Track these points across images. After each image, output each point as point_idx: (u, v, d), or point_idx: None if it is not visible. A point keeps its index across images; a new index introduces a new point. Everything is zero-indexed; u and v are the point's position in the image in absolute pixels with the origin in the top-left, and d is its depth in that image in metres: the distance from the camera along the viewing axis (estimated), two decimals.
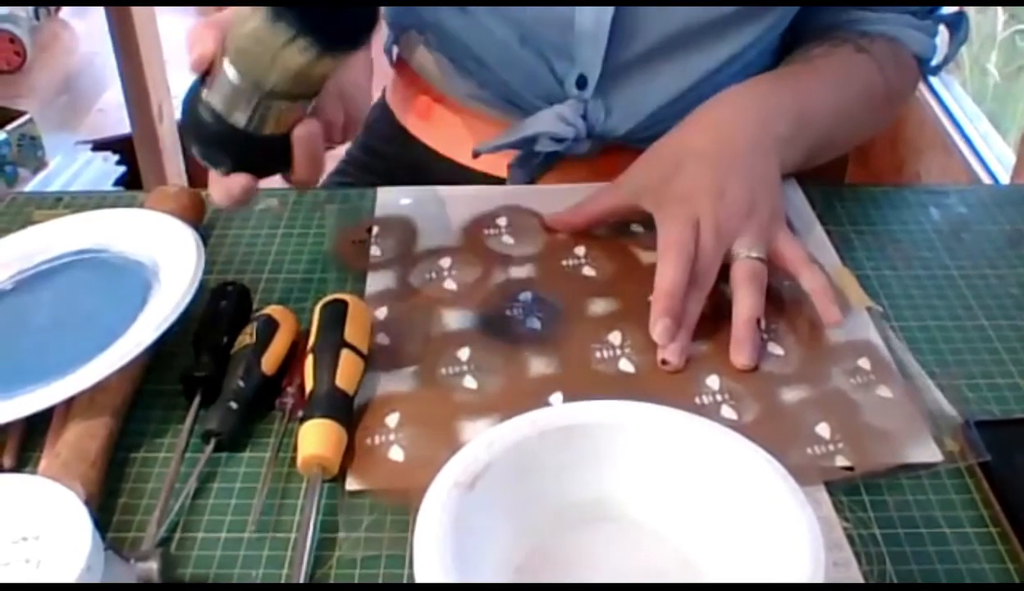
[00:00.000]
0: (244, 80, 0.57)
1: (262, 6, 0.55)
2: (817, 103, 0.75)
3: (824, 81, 0.77)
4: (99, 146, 2.11)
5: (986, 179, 1.77)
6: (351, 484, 0.55)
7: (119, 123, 2.12)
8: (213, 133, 0.60)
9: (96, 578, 0.42)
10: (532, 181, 0.85)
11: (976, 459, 0.56)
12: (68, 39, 2.60)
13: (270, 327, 0.62)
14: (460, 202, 0.78)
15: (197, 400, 0.59)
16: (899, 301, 0.69)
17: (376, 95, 1.00)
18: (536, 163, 0.83)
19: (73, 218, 0.72)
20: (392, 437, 0.58)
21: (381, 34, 0.90)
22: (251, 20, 0.55)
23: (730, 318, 0.64)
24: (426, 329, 0.66)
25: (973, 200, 0.81)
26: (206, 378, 0.60)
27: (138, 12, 1.84)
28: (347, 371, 0.59)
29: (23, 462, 0.57)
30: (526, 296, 0.68)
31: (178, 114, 1.99)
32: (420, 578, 0.43)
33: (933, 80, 2.03)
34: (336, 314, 0.61)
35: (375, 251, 0.73)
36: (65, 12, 2.66)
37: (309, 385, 0.58)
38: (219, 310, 0.65)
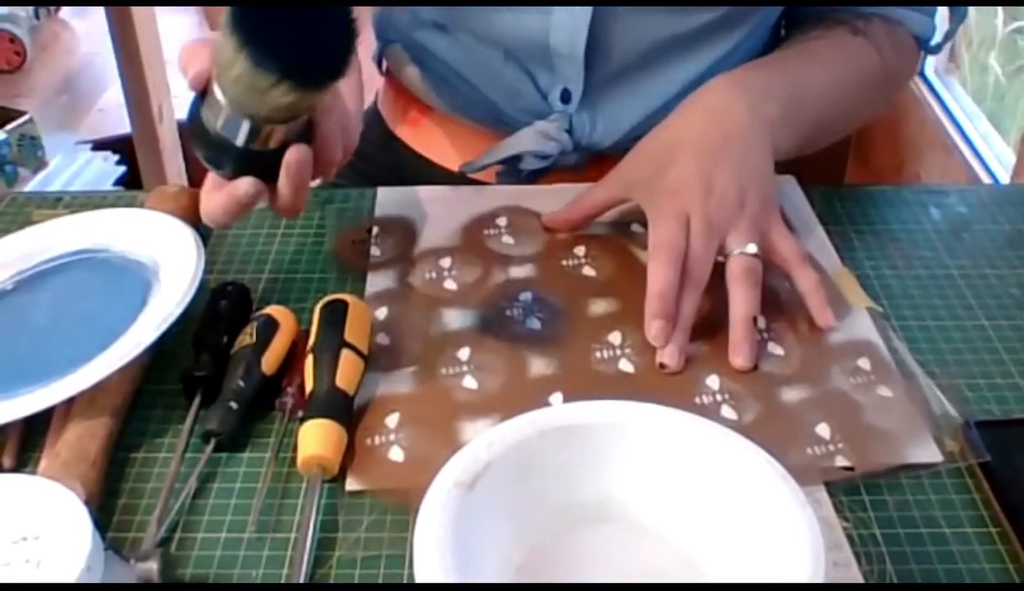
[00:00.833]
0: (235, 110, 0.58)
1: (242, 50, 0.54)
2: (811, 85, 0.75)
3: (818, 63, 0.77)
4: (99, 146, 2.11)
5: (986, 179, 1.77)
6: (351, 484, 0.55)
7: (119, 123, 2.12)
8: (213, 144, 0.60)
9: (96, 578, 0.42)
10: None
11: (976, 459, 0.56)
12: (68, 39, 2.59)
13: (270, 327, 0.62)
14: (460, 202, 0.78)
15: (197, 400, 0.59)
16: (899, 301, 0.69)
17: (368, 100, 1.00)
18: (524, 176, 0.83)
19: (73, 218, 0.72)
20: (392, 437, 0.58)
21: (369, 43, 0.90)
22: (235, 66, 0.55)
23: (728, 317, 0.64)
24: (426, 329, 0.66)
25: (973, 200, 0.81)
26: (206, 378, 0.60)
27: (138, 12, 1.84)
28: (347, 371, 0.59)
29: (23, 462, 0.57)
30: (526, 296, 0.68)
31: (178, 114, 2.00)
32: (420, 578, 0.43)
33: (934, 80, 2.03)
34: (336, 314, 0.61)
35: (375, 251, 0.73)
36: (65, 12, 2.66)
37: (309, 385, 0.58)
38: (219, 310, 0.65)
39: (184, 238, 0.67)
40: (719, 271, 0.65)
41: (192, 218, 0.72)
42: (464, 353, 0.63)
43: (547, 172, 0.83)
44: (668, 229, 0.65)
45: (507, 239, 0.74)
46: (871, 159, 2.12)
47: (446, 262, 0.71)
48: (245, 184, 0.60)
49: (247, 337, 0.61)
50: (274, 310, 0.64)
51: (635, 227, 0.74)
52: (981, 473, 0.56)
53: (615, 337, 0.65)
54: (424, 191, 0.79)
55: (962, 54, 2.04)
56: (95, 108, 2.44)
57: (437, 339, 0.65)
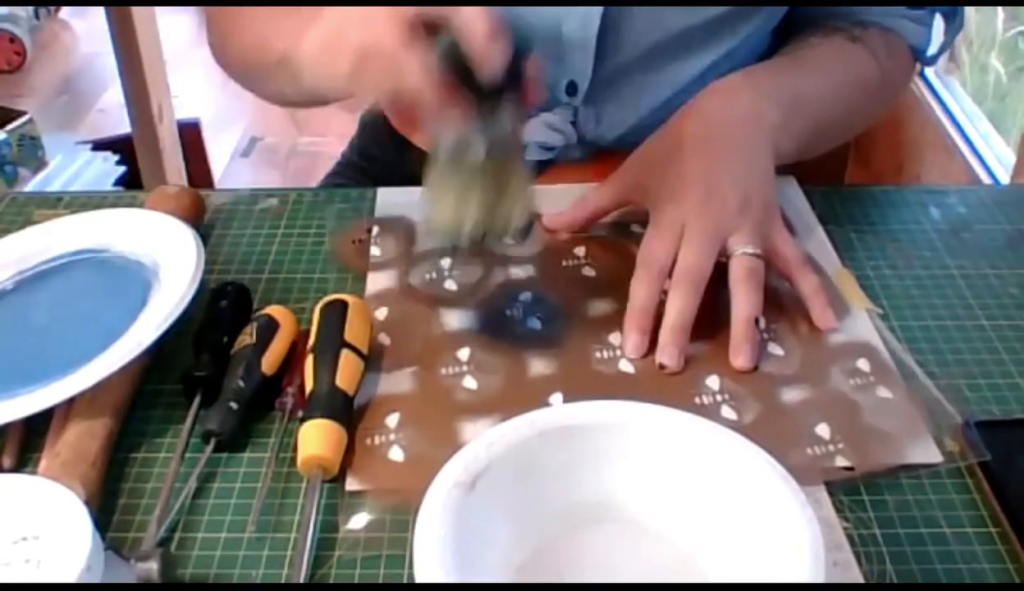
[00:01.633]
0: None
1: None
2: (810, 89, 0.75)
3: (817, 68, 0.77)
4: (99, 146, 2.11)
5: (986, 179, 1.77)
6: (351, 484, 0.55)
7: (119, 123, 2.12)
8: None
9: (96, 578, 0.42)
10: None
11: (976, 459, 0.56)
12: (68, 39, 2.60)
13: (270, 327, 0.62)
14: None
15: (197, 400, 0.59)
16: (899, 301, 0.69)
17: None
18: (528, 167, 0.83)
19: (73, 218, 0.72)
20: (392, 437, 0.58)
21: None
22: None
23: (729, 318, 0.64)
24: (426, 329, 0.66)
25: (973, 200, 0.81)
26: (206, 378, 0.60)
27: (138, 12, 1.83)
28: (347, 371, 0.59)
29: (23, 462, 0.57)
30: (526, 296, 0.68)
31: (178, 114, 2.00)
32: (420, 578, 0.43)
33: (934, 81, 2.03)
34: (336, 314, 0.61)
35: (375, 251, 0.73)
36: (65, 12, 2.67)
37: (309, 385, 0.58)
38: (219, 310, 0.65)
39: (184, 238, 0.67)
40: (720, 271, 0.65)
41: (192, 218, 0.72)
42: (464, 353, 0.63)
43: (551, 165, 0.83)
44: (656, 243, 0.65)
45: (507, 239, 0.74)
46: (872, 159, 2.12)
47: (446, 262, 0.71)
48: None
49: (247, 337, 0.61)
50: (274, 310, 0.64)
51: (635, 228, 0.74)
52: (981, 473, 0.56)
53: (615, 337, 0.65)
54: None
55: (962, 54, 2.04)
56: (95, 108, 2.45)
57: (437, 339, 0.65)
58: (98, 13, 1.98)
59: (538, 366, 0.63)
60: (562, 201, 0.75)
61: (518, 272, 0.71)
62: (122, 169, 2.08)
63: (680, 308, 0.63)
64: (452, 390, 0.61)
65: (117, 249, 0.69)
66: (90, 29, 2.58)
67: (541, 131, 0.80)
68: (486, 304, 0.68)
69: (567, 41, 0.77)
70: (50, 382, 0.57)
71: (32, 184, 1.93)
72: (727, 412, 0.60)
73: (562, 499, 0.51)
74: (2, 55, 2.31)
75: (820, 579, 0.43)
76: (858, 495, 0.55)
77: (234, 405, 0.58)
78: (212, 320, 0.64)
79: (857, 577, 0.51)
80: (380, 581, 0.51)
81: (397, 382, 0.62)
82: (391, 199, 0.78)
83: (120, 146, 2.07)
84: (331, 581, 0.51)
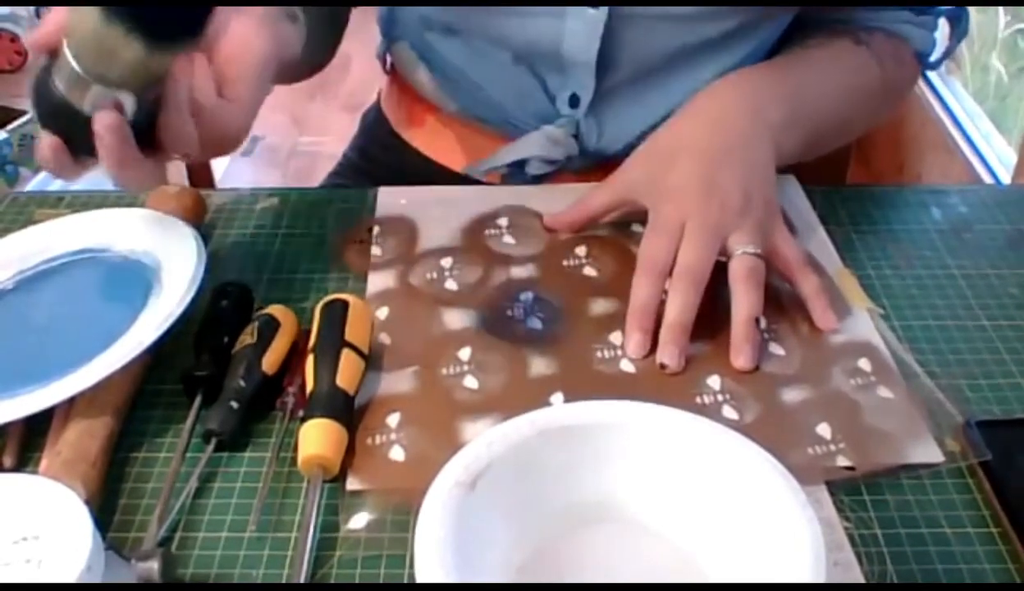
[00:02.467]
0: (85, 71, 0.57)
1: (97, 6, 0.54)
2: (813, 90, 0.75)
3: (820, 69, 0.77)
4: None
5: (987, 179, 1.77)
6: (351, 484, 0.55)
7: None
8: (56, 107, 0.58)
9: (96, 578, 0.42)
10: None
11: (977, 459, 0.56)
12: None
13: (271, 327, 0.62)
14: (461, 202, 0.78)
15: (198, 400, 0.59)
16: (900, 301, 0.69)
17: (372, 98, 1.00)
18: (529, 180, 0.83)
19: (74, 217, 0.72)
20: (393, 437, 0.58)
21: (374, 38, 0.90)
22: (85, 22, 0.55)
23: (730, 317, 0.64)
24: (427, 329, 0.66)
25: (974, 200, 0.81)
26: (207, 378, 0.60)
27: None
28: (348, 371, 0.59)
29: (24, 462, 0.57)
30: (527, 296, 0.68)
31: None
32: (420, 578, 0.43)
33: (935, 80, 2.03)
34: (337, 314, 0.61)
35: (376, 251, 0.73)
36: None
37: (310, 385, 0.58)
38: (220, 310, 0.65)
39: (185, 238, 0.67)
40: (721, 271, 0.65)
41: (193, 218, 0.72)
42: (465, 353, 0.63)
43: (552, 176, 0.83)
44: (656, 243, 0.65)
45: (508, 239, 0.74)
46: (873, 159, 2.12)
47: (447, 262, 0.71)
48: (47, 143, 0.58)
49: (248, 337, 0.61)
50: (275, 310, 0.64)
51: (635, 227, 0.74)
52: (982, 473, 0.56)
53: (616, 337, 0.65)
54: (425, 191, 0.79)
55: (963, 54, 2.04)
56: None
57: (438, 339, 0.65)
58: None
59: (539, 366, 0.63)
60: (562, 201, 0.75)
61: (519, 272, 0.71)
62: None
63: (680, 307, 0.63)
64: (453, 390, 0.61)
65: (118, 249, 0.69)
66: None
67: (543, 145, 0.80)
68: (487, 304, 0.68)
69: (567, 59, 0.77)
70: (50, 382, 0.57)
71: (33, 184, 1.93)
72: (728, 412, 0.60)
73: (562, 499, 0.51)
74: (3, 55, 2.30)
75: (821, 579, 0.43)
76: (859, 495, 0.55)
77: (235, 405, 0.58)
78: (213, 320, 0.64)
79: (858, 577, 0.51)
80: (381, 581, 0.51)
81: (398, 382, 0.62)
82: (392, 199, 0.78)
83: None
84: (332, 581, 0.51)
